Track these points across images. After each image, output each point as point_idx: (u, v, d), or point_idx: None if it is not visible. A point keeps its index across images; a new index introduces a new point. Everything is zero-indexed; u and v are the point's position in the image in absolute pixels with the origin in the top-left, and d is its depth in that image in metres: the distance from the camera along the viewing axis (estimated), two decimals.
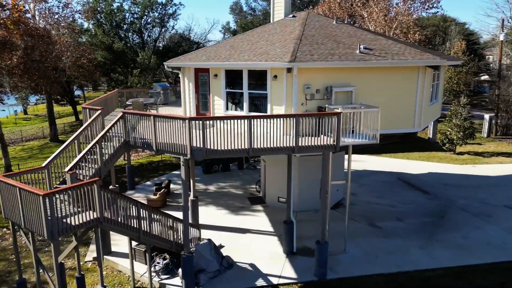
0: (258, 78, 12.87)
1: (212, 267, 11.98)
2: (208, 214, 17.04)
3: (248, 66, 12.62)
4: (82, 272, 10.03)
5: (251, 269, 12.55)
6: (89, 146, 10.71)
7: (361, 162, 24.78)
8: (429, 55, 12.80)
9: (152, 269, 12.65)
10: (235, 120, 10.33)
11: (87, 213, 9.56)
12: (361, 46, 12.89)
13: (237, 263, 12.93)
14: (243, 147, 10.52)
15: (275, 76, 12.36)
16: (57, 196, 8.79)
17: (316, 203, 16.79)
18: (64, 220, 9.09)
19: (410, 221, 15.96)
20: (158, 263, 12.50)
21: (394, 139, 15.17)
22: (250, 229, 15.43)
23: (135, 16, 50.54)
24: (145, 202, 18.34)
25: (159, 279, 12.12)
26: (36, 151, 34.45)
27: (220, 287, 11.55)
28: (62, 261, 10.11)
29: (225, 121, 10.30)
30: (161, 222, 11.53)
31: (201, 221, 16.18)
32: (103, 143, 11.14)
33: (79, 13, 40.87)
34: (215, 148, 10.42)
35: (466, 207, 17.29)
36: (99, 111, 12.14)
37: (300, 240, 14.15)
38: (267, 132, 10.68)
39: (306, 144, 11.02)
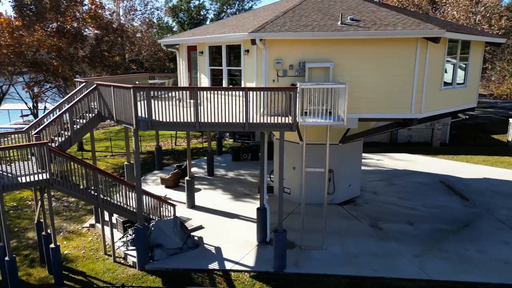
0: (236, 54, 12.29)
1: (172, 244, 11.87)
2: (211, 197, 16.97)
3: (217, 40, 12.13)
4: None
5: (214, 252, 12.10)
6: (59, 113, 11.47)
7: (407, 162, 22.08)
8: (428, 25, 10.63)
9: (124, 239, 13.09)
10: (183, 92, 10.02)
11: (42, 174, 10.29)
12: (348, 17, 11.36)
13: (205, 245, 12.60)
14: (189, 120, 10.16)
15: (247, 51, 11.65)
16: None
17: (321, 196, 15.47)
18: (13, 177, 9.92)
19: (421, 226, 13.62)
20: (131, 234, 12.85)
21: (392, 127, 13.05)
22: (241, 215, 14.90)
23: (214, 13, 52.92)
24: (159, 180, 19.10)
25: (125, 249, 12.45)
26: (113, 135, 38.42)
27: (174, 264, 11.38)
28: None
29: (174, 92, 10.06)
30: (121, 192, 11.78)
31: (201, 203, 16.21)
32: (77, 113, 11.84)
33: (159, 10, 44.42)
34: (161, 119, 10.27)
35: (506, 220, 14.06)
36: (83, 84, 12.91)
37: None
38: (221, 108, 10.16)
39: (259, 121, 10.16)
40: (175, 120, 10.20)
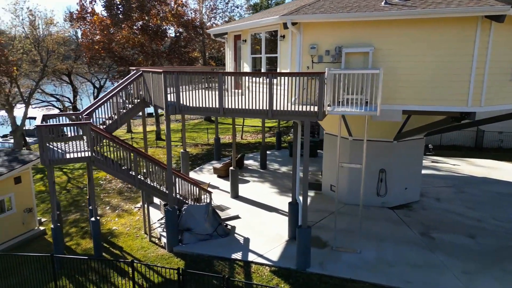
0: (274, 41, 11.86)
1: (202, 230, 11.98)
2: (257, 189, 16.82)
3: (257, 26, 11.77)
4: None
5: (242, 242, 11.91)
6: (107, 97, 12.35)
7: (490, 169, 19.24)
8: (490, 0, 8.88)
9: (162, 221, 13.64)
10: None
11: (87, 152, 11.21)
12: None
13: (236, 234, 12.48)
14: (214, 105, 10.10)
15: (283, 36, 11.13)
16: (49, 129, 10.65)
17: (370, 198, 14.33)
18: (62, 153, 10.96)
19: (485, 241, 11.63)
20: None
21: (446, 122, 11.28)
22: (281, 209, 14.46)
23: None
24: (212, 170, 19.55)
25: (161, 230, 12.95)
26: (190, 126, 40.68)
27: (200, 249, 11.47)
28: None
29: (198, 76, 10.10)
30: (157, 174, 12.21)
31: (245, 194, 16.17)
32: (124, 98, 12.63)
33: (239, 8, 45.61)
34: (189, 104, 10.38)
35: None
36: (139, 72, 13.68)
37: (318, 230, 12.49)
38: (251, 95, 9.93)
39: (283, 109, 9.64)
40: (200, 105, 10.22)
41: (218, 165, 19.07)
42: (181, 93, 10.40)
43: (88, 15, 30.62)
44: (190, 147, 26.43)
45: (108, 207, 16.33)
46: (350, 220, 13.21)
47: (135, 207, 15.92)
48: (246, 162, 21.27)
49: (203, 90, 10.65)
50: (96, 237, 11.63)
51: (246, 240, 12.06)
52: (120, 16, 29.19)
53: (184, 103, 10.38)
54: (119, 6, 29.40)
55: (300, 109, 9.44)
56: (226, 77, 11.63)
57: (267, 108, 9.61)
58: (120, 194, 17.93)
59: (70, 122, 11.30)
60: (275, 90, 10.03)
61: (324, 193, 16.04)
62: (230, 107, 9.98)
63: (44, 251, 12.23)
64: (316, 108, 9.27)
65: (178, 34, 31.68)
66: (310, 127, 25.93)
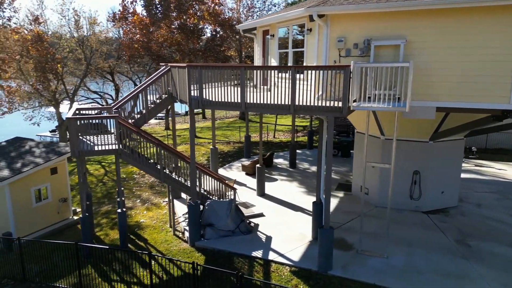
0: (301, 35, 11.52)
1: (224, 226, 11.89)
2: (284, 188, 16.53)
3: (284, 19, 11.47)
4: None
5: (264, 241, 11.69)
6: (135, 92, 12.59)
7: None
8: None
9: (187, 215, 13.70)
10: (229, 70, 9.90)
11: (115, 145, 11.49)
12: None
13: (258, 232, 12.28)
14: (236, 100, 9.96)
15: (310, 29, 10.77)
16: (79, 122, 11.00)
17: (402, 201, 13.64)
18: (91, 145, 11.32)
19: None
20: None
21: (487, 121, 10.34)
22: (307, 209, 14.08)
23: None
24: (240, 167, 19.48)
25: (185, 225, 13.02)
26: (225, 125, 41.05)
27: (221, 245, 11.39)
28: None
29: (221, 70, 10.01)
30: (182, 168, 12.27)
31: (272, 192, 15.95)
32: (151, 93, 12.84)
33: (276, 6, 45.27)
34: (211, 99, 10.32)
35: None
36: (167, 68, 13.86)
37: (344, 232, 12.03)
38: (275, 90, 9.70)
39: (306, 103, 9.31)
40: (223, 100, 10.12)
41: (247, 162, 18.97)
42: (205, 89, 10.36)
43: (130, 15, 31.70)
44: (222, 144, 26.58)
45: (138, 200, 16.72)
46: (379, 223, 12.58)
47: (163, 201, 16.17)
48: (276, 160, 21.02)
49: (234, 87, 10.48)
50: (122, 228, 11.88)
51: (268, 238, 11.83)
52: (159, 15, 29.93)
53: (208, 98, 10.31)
54: (158, 6, 30.15)
55: (322, 105, 9.06)
56: (255, 73, 11.49)
57: (288, 103, 9.31)
58: (151, 188, 18.31)
59: (98, 115, 11.63)
60: (301, 85, 9.74)
61: (354, 194, 15.45)
62: (252, 101, 9.78)
63: (75, 240, 12.69)
64: (340, 104, 8.85)
65: (214, 32, 31.99)
66: (344, 126, 25.23)
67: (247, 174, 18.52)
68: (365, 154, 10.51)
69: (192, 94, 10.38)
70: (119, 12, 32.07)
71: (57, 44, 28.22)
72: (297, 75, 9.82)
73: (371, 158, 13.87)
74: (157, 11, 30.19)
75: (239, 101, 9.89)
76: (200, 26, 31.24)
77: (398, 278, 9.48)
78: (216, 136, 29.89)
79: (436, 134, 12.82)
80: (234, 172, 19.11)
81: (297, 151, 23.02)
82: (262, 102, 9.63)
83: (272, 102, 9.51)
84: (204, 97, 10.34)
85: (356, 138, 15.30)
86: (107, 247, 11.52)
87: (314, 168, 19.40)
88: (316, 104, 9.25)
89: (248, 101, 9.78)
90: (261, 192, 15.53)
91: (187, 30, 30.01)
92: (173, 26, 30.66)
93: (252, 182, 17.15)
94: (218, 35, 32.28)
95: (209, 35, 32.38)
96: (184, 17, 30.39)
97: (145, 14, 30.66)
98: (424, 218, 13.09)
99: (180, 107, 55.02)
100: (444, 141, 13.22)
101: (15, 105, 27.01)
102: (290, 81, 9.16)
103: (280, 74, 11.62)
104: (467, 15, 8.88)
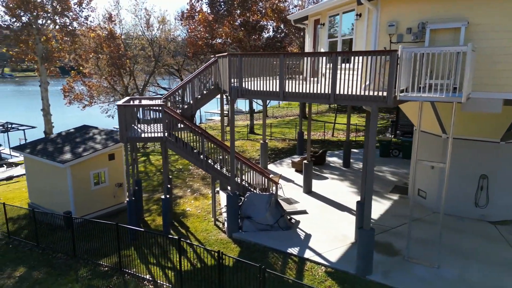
0: (349, 21, 10.77)
1: (262, 220, 11.62)
2: (333, 186, 15.77)
3: (334, 6, 10.81)
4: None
5: (302, 238, 11.19)
6: (182, 82, 12.85)
7: None
8: None
9: None
10: (269, 58, 9.60)
11: (162, 133, 11.85)
12: None
13: (298, 229, 11.81)
14: (275, 89, 9.62)
15: (359, 15, 10.01)
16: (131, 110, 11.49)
17: (465, 207, 12.26)
18: (139, 132, 11.79)
19: None
20: None
21: None
22: (353, 209, 13.25)
23: None
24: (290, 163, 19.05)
25: (226, 215, 12.98)
26: (284, 123, 40.80)
27: (258, 238, 11.14)
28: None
29: (259, 58, 9.76)
30: (224, 159, 12.23)
31: (320, 190, 15.35)
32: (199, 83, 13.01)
33: None
34: (250, 88, 10.10)
35: None
36: (215, 59, 13.96)
37: (393, 236, 11.08)
38: (320, 81, 9.20)
39: (348, 93, 8.64)
40: (261, 89, 9.85)
41: (297, 159, 18.47)
42: (246, 81, 10.17)
43: (197, 13, 32.84)
44: (277, 141, 26.30)
45: (189, 190, 17.14)
46: (434, 230, 11.35)
47: (211, 192, 16.36)
48: (329, 159, 20.19)
49: (274, 79, 10.16)
50: (165, 215, 12.20)
51: (308, 236, 11.29)
52: (223, 12, 30.54)
53: (246, 87, 10.12)
54: (222, 3, 30.79)
55: (365, 94, 8.33)
56: (304, 65, 11.02)
57: (329, 92, 8.72)
58: (203, 179, 18.67)
59: (146, 104, 12.06)
60: (348, 75, 9.08)
61: (410, 197, 14.17)
62: (290, 91, 9.37)
63: (126, 223, 13.35)
64: (385, 93, 8.07)
65: (276, 29, 31.81)
66: (409, 126, 23.42)
67: (296, 171, 18.03)
68: (416, 151, 9.50)
69: (232, 84, 10.26)
70: (187, 11, 33.39)
71: (130, 42, 30.26)
72: (343, 65, 9.19)
73: (431, 159, 12.59)
74: (221, 8, 30.83)
75: (277, 90, 9.54)
76: (262, 23, 31.25)
77: None
78: (274, 133, 29.74)
79: (509, 134, 11.21)
80: (284, 168, 18.74)
81: (354, 150, 21.91)
82: (300, 91, 9.16)
83: (310, 91, 9.00)
84: (244, 86, 10.16)
85: (414, 137, 14.02)
86: (143, 229, 11.89)
87: None
88: (354, 93, 8.54)
89: (286, 90, 9.38)
90: (308, 190, 14.96)
91: (249, 26, 30.20)
92: (236, 23, 31.09)
93: (301, 179, 16.62)
94: (281, 32, 32.01)
95: (271, 32, 32.29)
96: (248, 14, 30.64)
97: (209, 11, 31.51)
98: (490, 229, 11.53)
99: (244, 105, 55.80)
100: None
101: (94, 99, 29.54)
102: (331, 69, 8.58)
103: (328, 65, 11.01)
104: None
